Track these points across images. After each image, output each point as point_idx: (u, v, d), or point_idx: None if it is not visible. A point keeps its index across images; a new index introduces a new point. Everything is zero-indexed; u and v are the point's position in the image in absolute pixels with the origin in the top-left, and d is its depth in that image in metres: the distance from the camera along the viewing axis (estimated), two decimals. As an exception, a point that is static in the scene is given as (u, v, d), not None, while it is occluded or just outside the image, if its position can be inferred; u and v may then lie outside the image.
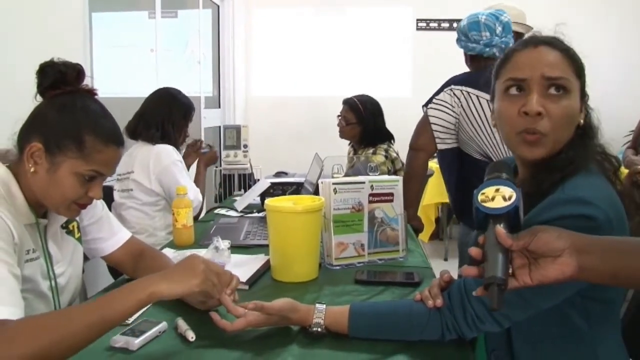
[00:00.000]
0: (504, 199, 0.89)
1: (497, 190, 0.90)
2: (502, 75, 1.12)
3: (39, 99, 1.26)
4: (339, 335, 1.14)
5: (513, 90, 1.08)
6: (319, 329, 1.14)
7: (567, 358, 1.09)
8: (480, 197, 0.90)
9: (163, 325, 1.19)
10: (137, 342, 1.11)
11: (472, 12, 2.33)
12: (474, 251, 0.88)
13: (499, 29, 2.24)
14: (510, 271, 0.86)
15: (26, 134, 1.22)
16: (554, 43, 1.09)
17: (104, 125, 1.25)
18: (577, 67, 1.08)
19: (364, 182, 1.67)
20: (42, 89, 1.24)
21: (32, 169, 1.19)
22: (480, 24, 2.26)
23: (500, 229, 0.86)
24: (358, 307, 1.17)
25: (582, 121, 1.09)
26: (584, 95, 1.10)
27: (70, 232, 1.40)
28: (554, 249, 0.83)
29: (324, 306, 1.16)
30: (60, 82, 1.23)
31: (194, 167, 2.84)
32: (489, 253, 0.86)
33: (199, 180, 2.70)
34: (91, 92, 1.29)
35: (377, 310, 1.17)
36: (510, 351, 1.13)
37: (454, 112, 2.23)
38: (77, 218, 1.42)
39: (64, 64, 1.24)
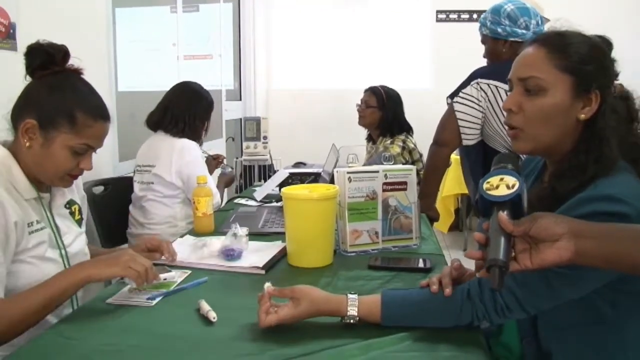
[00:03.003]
0: (508, 187, 0.92)
1: (501, 179, 0.94)
2: None
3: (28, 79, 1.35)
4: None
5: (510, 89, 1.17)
6: (352, 321, 1.13)
7: (593, 346, 1.11)
8: (485, 186, 0.94)
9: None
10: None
11: (506, 0, 2.28)
12: (477, 236, 0.92)
13: (539, 18, 2.23)
14: (512, 255, 0.89)
15: (19, 112, 1.32)
16: (548, 40, 1.13)
17: (92, 102, 1.35)
18: (568, 63, 1.09)
19: (378, 171, 1.71)
20: (31, 69, 1.34)
21: (27, 144, 1.29)
22: (529, 11, 2.20)
23: (503, 215, 0.89)
24: (390, 296, 1.16)
25: (583, 116, 1.10)
26: (585, 91, 1.09)
27: (71, 214, 1.49)
28: (552, 234, 0.87)
29: (356, 296, 1.15)
30: (49, 62, 1.32)
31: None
32: (492, 238, 0.90)
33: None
34: (77, 72, 1.38)
35: (409, 298, 1.16)
36: (537, 338, 1.17)
37: (480, 106, 2.22)
38: (79, 201, 1.53)
39: (50, 46, 1.33)
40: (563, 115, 1.10)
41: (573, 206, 1.03)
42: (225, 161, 2.96)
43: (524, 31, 2.22)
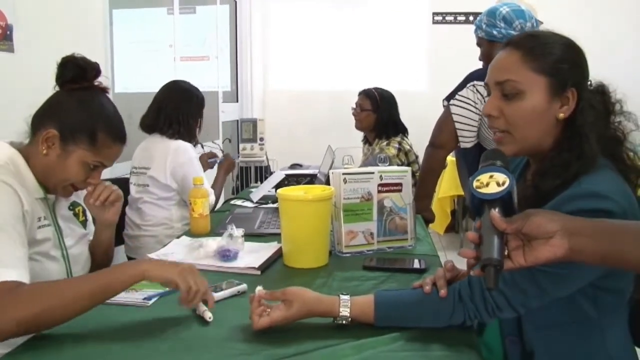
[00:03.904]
0: (498, 184, 0.92)
1: (491, 176, 0.93)
2: None
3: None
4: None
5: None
6: (344, 321, 1.14)
7: (576, 345, 1.12)
8: (475, 184, 0.94)
9: (243, 286, 1.37)
10: (217, 296, 1.29)
11: (501, 3, 2.30)
12: (470, 235, 0.92)
13: (534, 20, 2.24)
14: (505, 253, 0.89)
15: (42, 119, 1.34)
16: (521, 43, 1.14)
17: (115, 124, 1.40)
18: (544, 64, 1.11)
19: (373, 173, 1.72)
20: (62, 81, 1.36)
21: (44, 152, 1.31)
22: (525, 14, 2.21)
23: (495, 213, 0.89)
24: (383, 297, 1.16)
25: (562, 115, 1.11)
26: (561, 90, 1.11)
27: (75, 215, 1.51)
28: (545, 231, 0.87)
29: (349, 297, 1.15)
30: (79, 77, 1.35)
31: (209, 172, 2.88)
32: (485, 236, 0.89)
33: (216, 185, 2.71)
34: (105, 90, 1.41)
35: (403, 299, 1.17)
36: (521, 336, 1.17)
37: (477, 108, 2.23)
38: (83, 203, 1.53)
39: (83, 60, 1.36)
40: (543, 116, 1.12)
41: (558, 204, 1.04)
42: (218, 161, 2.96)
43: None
